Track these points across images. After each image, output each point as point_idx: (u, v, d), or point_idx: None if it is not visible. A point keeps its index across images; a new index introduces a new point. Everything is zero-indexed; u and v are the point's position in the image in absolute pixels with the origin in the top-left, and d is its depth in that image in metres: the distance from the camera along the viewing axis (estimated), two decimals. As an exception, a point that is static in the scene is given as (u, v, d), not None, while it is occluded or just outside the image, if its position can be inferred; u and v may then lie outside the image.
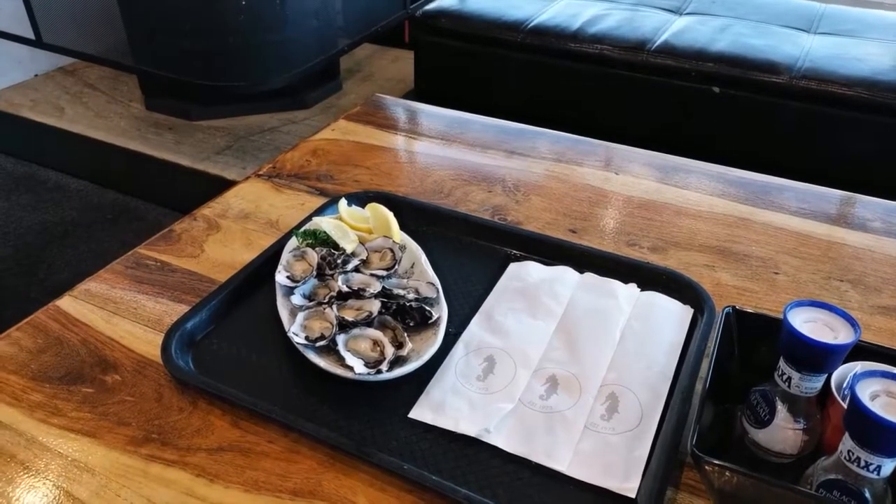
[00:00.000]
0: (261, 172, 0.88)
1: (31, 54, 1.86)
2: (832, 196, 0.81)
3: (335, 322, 0.54)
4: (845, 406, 0.38)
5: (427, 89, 1.67)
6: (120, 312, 0.62)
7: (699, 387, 0.51)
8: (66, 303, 0.63)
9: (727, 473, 0.38)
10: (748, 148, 1.34)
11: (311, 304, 0.56)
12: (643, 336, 0.56)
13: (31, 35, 1.64)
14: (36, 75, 1.97)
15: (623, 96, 1.41)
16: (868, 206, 0.80)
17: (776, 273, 0.68)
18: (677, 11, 1.50)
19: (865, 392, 0.36)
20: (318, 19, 1.70)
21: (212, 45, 1.61)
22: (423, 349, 0.53)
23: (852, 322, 0.42)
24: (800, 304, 0.43)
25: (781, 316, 0.42)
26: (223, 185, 0.93)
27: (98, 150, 1.70)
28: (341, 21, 1.81)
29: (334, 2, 1.75)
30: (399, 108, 1.17)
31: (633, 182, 0.89)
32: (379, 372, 0.50)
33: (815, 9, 1.49)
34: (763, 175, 0.88)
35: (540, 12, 1.52)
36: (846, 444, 0.37)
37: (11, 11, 1.70)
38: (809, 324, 0.42)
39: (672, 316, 0.58)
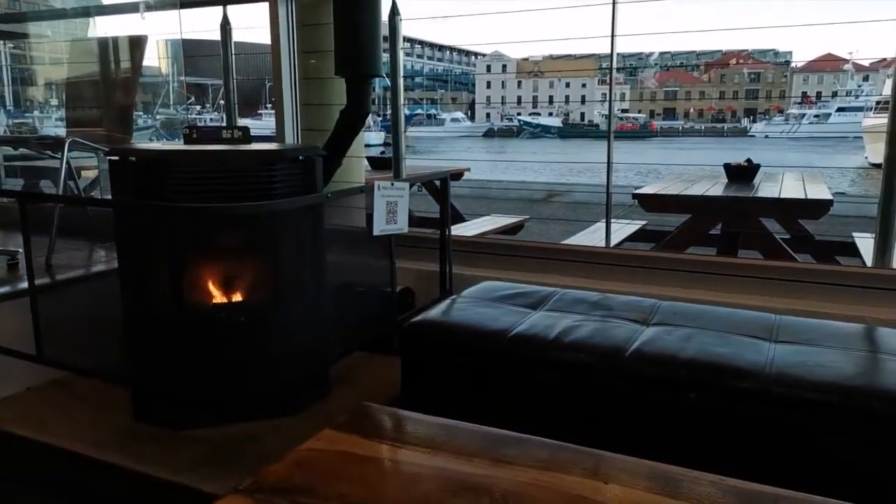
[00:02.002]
0: (241, 486, 0.87)
1: (27, 368, 1.91)
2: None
3: None
4: None
5: (414, 393, 1.71)
6: None
7: None
8: None
9: None
10: (731, 453, 1.34)
11: None
12: None
13: (32, 351, 1.71)
14: (28, 388, 2.00)
15: (602, 402, 1.45)
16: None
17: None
18: (644, 322, 1.63)
19: None
20: (312, 332, 1.81)
21: (209, 360, 1.68)
22: None
23: None
24: None
25: None
26: (201, 499, 0.90)
27: (76, 465, 1.65)
28: (333, 332, 1.92)
29: (327, 315, 1.87)
30: (385, 415, 1.19)
31: (624, 492, 0.88)
32: None
33: (772, 319, 1.62)
34: (758, 485, 0.87)
35: (518, 323, 1.63)
36: None
37: (13, 329, 1.80)
38: None
39: None
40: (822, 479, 1.27)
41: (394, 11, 2.61)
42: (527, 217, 5.00)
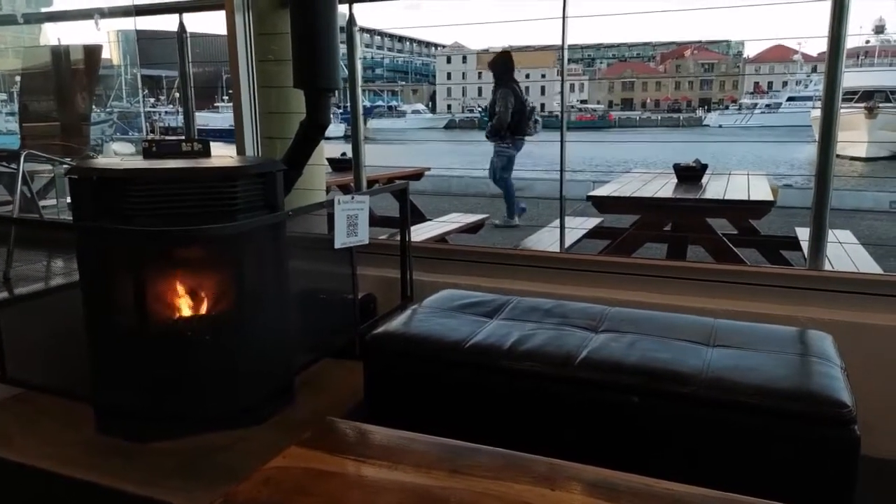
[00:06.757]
0: (214, 507, 0.92)
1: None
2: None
3: None
4: None
5: (377, 401, 1.77)
6: None
7: None
8: None
9: None
10: (674, 456, 1.44)
11: None
12: None
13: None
14: (-10, 404, 2.00)
15: (556, 408, 1.53)
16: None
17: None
18: (594, 329, 1.72)
19: None
20: (275, 345, 1.85)
21: (174, 377, 1.72)
22: None
23: None
24: None
25: None
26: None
27: (42, 481, 1.67)
28: (296, 342, 1.96)
29: (290, 327, 1.92)
30: (348, 430, 1.26)
31: (569, 497, 0.96)
32: None
33: (710, 324, 1.72)
34: (700, 489, 0.95)
35: (475, 333, 1.71)
36: None
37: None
38: None
39: None
40: (757, 479, 1.38)
41: (351, 21, 2.65)
42: (486, 216, 5.09)
